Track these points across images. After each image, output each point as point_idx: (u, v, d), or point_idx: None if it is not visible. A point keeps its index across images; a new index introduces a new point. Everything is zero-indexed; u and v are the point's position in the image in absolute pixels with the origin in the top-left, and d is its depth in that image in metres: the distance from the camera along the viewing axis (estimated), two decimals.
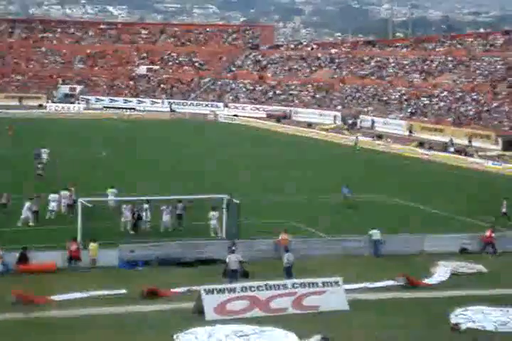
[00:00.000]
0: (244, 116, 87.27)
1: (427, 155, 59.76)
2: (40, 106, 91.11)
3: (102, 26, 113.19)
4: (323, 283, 23.47)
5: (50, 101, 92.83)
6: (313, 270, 26.27)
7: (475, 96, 75.10)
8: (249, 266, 25.85)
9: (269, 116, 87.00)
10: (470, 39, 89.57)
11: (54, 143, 54.76)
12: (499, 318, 22.16)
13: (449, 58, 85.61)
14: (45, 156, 48.23)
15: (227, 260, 25.32)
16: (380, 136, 70.02)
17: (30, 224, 31.91)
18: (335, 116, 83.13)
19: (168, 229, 31.57)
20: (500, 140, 64.08)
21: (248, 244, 28.39)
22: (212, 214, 30.81)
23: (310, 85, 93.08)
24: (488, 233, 30.65)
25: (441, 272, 27.41)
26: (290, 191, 42.26)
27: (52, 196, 33.49)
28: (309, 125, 79.55)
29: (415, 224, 34.55)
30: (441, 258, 28.67)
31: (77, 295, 23.74)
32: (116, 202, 33.11)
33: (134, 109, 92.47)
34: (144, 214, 31.45)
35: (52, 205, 33.22)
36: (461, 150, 60.60)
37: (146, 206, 31.48)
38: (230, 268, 25.11)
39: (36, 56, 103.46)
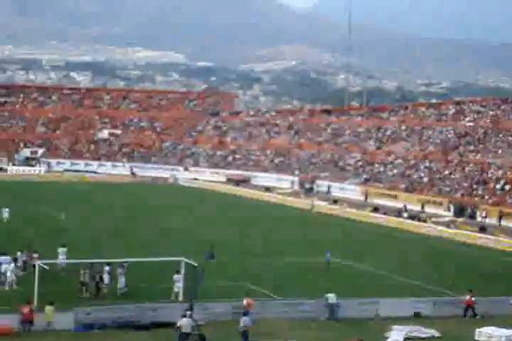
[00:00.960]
0: (204, 180, 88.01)
1: (382, 220, 60.82)
2: (1, 169, 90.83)
3: (65, 91, 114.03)
4: None
5: (11, 164, 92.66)
6: (269, 333, 26.53)
7: (427, 164, 76.99)
8: (206, 329, 26.01)
9: (229, 180, 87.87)
10: (422, 108, 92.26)
11: (14, 203, 54.59)
12: None
13: (402, 127, 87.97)
14: (6, 215, 49.22)
15: (178, 324, 25.39)
16: (335, 201, 71.11)
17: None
18: (292, 181, 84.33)
19: (122, 290, 31.63)
20: (452, 206, 65.57)
21: (206, 306, 28.58)
22: (177, 276, 30.98)
23: (268, 150, 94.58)
24: (467, 297, 31.37)
25: (395, 336, 27.84)
26: (248, 252, 42.64)
27: (3, 258, 33.18)
28: (267, 189, 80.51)
29: (369, 288, 35.07)
30: (395, 322, 29.16)
31: None
32: (64, 263, 33.22)
33: (94, 172, 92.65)
34: (105, 276, 31.53)
35: (4, 267, 32.61)
36: (414, 216, 61.83)
37: (107, 268, 31.60)
38: (184, 332, 25.22)
39: None
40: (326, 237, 51.49)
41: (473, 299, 31.22)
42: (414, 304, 31.39)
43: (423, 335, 28.15)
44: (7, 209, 51.09)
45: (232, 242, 47.33)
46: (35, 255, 34.01)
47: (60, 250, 35.08)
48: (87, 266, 31.54)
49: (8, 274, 31.85)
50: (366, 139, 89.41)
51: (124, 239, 46.12)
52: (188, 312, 26.41)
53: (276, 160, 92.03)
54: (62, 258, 34.43)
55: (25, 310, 26.35)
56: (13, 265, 32.33)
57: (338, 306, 29.97)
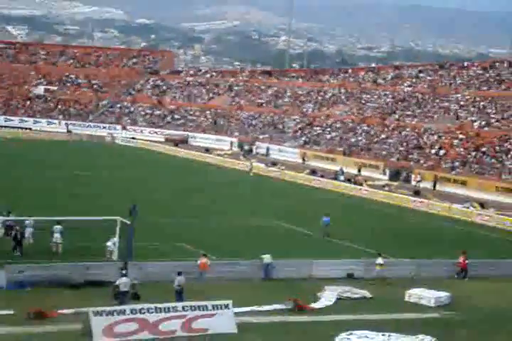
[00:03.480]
0: (142, 140, 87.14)
1: (318, 182, 61.33)
2: None
3: (0, 45, 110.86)
4: (213, 306, 23.74)
5: None
6: (203, 293, 26.60)
7: (365, 128, 77.65)
8: (140, 289, 25.95)
9: (168, 140, 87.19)
10: (362, 73, 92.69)
11: None
12: None
13: (342, 90, 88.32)
14: None
15: (117, 282, 25.38)
16: (274, 163, 71.35)
17: None
18: (231, 142, 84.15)
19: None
20: (387, 170, 66.45)
21: (140, 266, 28.44)
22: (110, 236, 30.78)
23: (208, 111, 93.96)
24: (461, 259, 32.17)
25: (327, 296, 28.21)
26: (184, 214, 42.58)
27: None
28: (207, 150, 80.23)
29: (303, 249, 35.40)
30: (328, 283, 29.54)
31: None
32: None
33: (29, 128, 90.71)
34: (55, 235, 31.19)
35: None
36: (350, 179, 62.48)
37: (57, 227, 31.22)
38: (121, 290, 25.16)
39: None
40: (263, 199, 51.75)
41: (466, 261, 32.02)
42: (347, 265, 31.82)
43: (355, 296, 28.57)
44: None
45: (170, 203, 47.14)
46: None
47: None
48: (18, 224, 31.13)
49: None
50: (306, 102, 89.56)
51: (58, 198, 45.45)
52: (123, 271, 26.32)
53: (216, 121, 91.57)
54: None
55: None
56: None
57: (273, 266, 30.21)
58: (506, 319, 26.78)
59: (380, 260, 31.21)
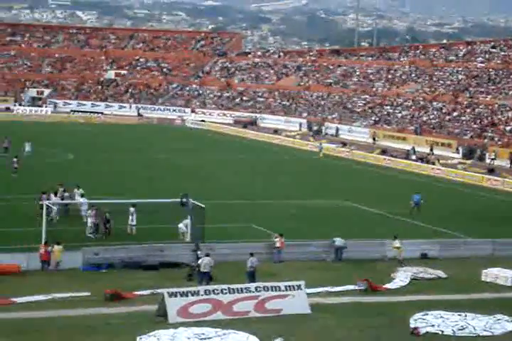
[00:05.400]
0: (211, 122, 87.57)
1: (389, 161, 60.59)
2: (8, 109, 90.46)
3: (71, 31, 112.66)
4: (286, 287, 23.76)
5: (17, 104, 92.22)
6: (276, 274, 26.62)
7: (437, 106, 76.23)
8: (213, 270, 26.11)
9: (237, 122, 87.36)
10: (433, 49, 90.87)
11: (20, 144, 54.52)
12: (457, 323, 22.61)
13: (413, 68, 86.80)
14: (28, 149, 52.74)
15: (199, 261, 25.58)
16: (344, 143, 70.77)
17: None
18: (300, 123, 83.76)
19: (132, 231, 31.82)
20: (460, 148, 65.15)
21: (211, 247, 28.61)
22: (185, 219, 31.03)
23: (276, 92, 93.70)
24: None
25: (401, 277, 27.90)
26: (254, 196, 42.64)
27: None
28: (275, 131, 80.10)
29: (378, 230, 35.07)
30: (402, 263, 29.21)
31: (41, 297, 23.76)
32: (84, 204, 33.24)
33: (101, 113, 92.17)
34: (131, 217, 31.65)
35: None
36: (422, 158, 61.52)
37: (131, 209, 31.64)
38: (202, 271, 25.39)
39: (4, 59, 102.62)
40: (334, 180, 51.45)
41: None
42: (421, 245, 31.39)
43: (429, 276, 28.22)
44: (30, 143, 53.15)
45: (240, 185, 47.28)
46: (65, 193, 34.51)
47: (76, 192, 35.11)
48: (96, 207, 31.60)
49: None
50: (375, 81, 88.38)
51: (133, 180, 46.10)
52: (200, 252, 26.52)
53: (284, 102, 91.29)
54: (78, 199, 34.37)
55: (42, 250, 26.62)
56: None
57: (345, 248, 29.97)
58: None
59: (396, 243, 29.95)
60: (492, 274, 28.15)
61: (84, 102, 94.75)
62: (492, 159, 60.67)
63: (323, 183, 49.67)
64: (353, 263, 29.53)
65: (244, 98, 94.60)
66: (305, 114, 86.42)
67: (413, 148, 64.74)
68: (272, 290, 23.51)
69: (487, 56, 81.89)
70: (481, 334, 21.99)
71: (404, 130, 73.80)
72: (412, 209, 39.22)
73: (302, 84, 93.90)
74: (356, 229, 34.46)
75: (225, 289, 23.06)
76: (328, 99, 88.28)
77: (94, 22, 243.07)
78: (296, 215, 37.83)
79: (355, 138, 75.06)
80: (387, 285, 26.94)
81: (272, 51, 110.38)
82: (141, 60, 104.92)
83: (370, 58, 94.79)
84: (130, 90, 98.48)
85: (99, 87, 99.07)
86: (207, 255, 26.12)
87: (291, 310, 23.29)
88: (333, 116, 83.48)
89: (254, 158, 62.47)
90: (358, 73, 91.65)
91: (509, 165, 59.21)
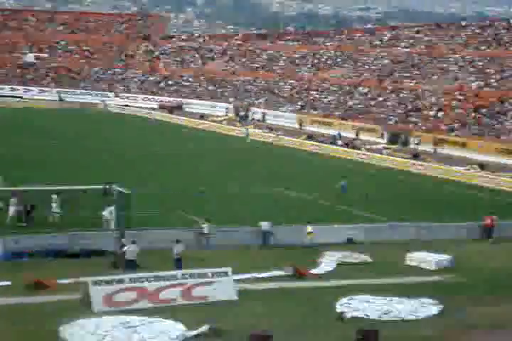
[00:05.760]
0: (136, 107, 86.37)
1: (315, 147, 60.87)
2: None
3: None
4: (213, 274, 23.57)
5: None
6: (204, 260, 26.36)
7: (362, 91, 76.92)
8: (139, 257, 25.66)
9: (162, 107, 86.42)
10: (358, 34, 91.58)
11: None
12: (383, 307, 22.76)
13: (338, 53, 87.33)
14: None
15: (124, 249, 25.18)
16: (271, 129, 70.80)
17: None
18: (227, 108, 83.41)
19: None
20: (386, 133, 65.91)
21: (137, 234, 28.07)
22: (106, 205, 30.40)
23: (202, 76, 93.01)
24: (488, 220, 32.36)
25: (327, 262, 27.97)
26: (182, 182, 42.18)
27: None
28: (202, 116, 79.57)
29: (304, 215, 35.10)
30: (329, 248, 29.27)
31: None
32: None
33: (20, 97, 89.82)
34: (54, 205, 30.97)
35: None
36: (348, 144, 62.01)
37: (54, 197, 30.92)
38: (127, 259, 24.93)
39: None
40: (261, 166, 51.33)
41: (494, 223, 32.19)
42: (347, 230, 31.53)
43: (355, 261, 28.35)
44: None
45: (167, 171, 46.70)
46: None
47: None
48: (16, 195, 30.73)
49: None
50: (302, 65, 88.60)
51: (52, 166, 45.01)
52: (123, 240, 26.06)
53: (210, 87, 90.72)
54: None
55: None
56: None
57: (272, 233, 29.91)
58: (507, 280, 26.54)
59: (309, 228, 29.99)
60: (417, 258, 28.45)
61: (2, 86, 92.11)
62: (416, 144, 61.56)
63: (250, 169, 49.51)
64: (280, 248, 29.46)
65: (170, 82, 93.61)
66: (231, 99, 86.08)
67: (339, 134, 65.20)
68: (199, 277, 23.32)
69: (411, 41, 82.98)
70: (406, 318, 22.17)
71: (330, 115, 74.22)
72: (339, 194, 39.43)
73: (228, 68, 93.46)
74: (284, 215, 34.40)
75: (151, 277, 22.77)
76: (254, 84, 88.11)
77: (12, 3, 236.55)
78: (225, 201, 37.58)
79: (282, 124, 75.18)
80: (314, 271, 26.96)
81: (196, 35, 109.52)
82: (61, 42, 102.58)
83: (296, 43, 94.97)
84: (51, 74, 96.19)
85: (19, 70, 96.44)
86: (132, 242, 25.69)
87: (218, 297, 23.12)
88: (260, 101, 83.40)
89: (181, 143, 61.87)
90: (284, 58, 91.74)
91: (433, 150, 60.20)
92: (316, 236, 30.02)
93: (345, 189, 39.77)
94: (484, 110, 63.59)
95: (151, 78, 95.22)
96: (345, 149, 59.53)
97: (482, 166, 51.35)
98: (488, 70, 70.16)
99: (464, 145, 59.16)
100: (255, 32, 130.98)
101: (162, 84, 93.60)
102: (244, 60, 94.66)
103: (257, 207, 36.54)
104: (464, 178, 48.24)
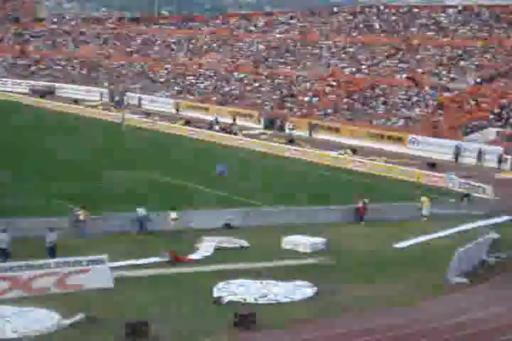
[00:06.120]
0: (4, 91, 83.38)
1: (193, 132, 60.75)
2: None
3: None
4: (88, 262, 23.21)
5: None
6: (80, 248, 25.89)
7: (238, 76, 77.25)
8: (11, 246, 24.91)
9: (33, 92, 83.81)
10: (233, 20, 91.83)
11: None
12: (259, 290, 23.08)
13: (214, 38, 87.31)
14: None
15: None
16: (147, 114, 70.09)
17: None
18: (101, 93, 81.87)
19: None
20: (262, 119, 66.55)
21: (8, 222, 27.13)
22: None
23: (75, 60, 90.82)
24: (360, 204, 33.10)
25: (205, 247, 28.03)
26: (60, 169, 41.18)
27: None
28: (75, 101, 77.78)
29: (183, 200, 35.01)
30: (206, 233, 29.34)
31: None
32: None
33: None
34: None
35: None
36: (225, 129, 62.23)
37: None
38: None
39: None
40: (138, 152, 50.76)
41: (365, 206, 32.90)
42: (225, 215, 31.68)
43: (232, 245, 28.56)
44: None
45: (40, 157, 45.36)
46: None
47: None
48: None
49: None
50: (177, 50, 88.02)
51: None
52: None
53: (84, 71, 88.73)
54: None
55: None
56: None
57: (149, 219, 29.67)
58: (378, 262, 27.43)
59: (174, 214, 29.74)
60: (292, 241, 28.94)
61: None
62: (290, 129, 62.46)
63: (127, 155, 48.86)
64: (157, 234, 29.29)
65: (41, 66, 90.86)
66: (106, 84, 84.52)
67: (216, 119, 65.31)
68: (73, 266, 22.94)
69: (285, 27, 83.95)
70: (281, 301, 22.54)
71: (206, 100, 74.17)
72: (217, 179, 39.53)
73: (102, 52, 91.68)
74: (162, 201, 34.15)
75: (23, 266, 22.26)
76: (129, 68, 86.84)
77: None
78: (102, 188, 36.94)
79: (159, 109, 74.53)
80: (192, 256, 26.97)
81: (68, 17, 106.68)
82: None
83: (171, 27, 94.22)
84: None
85: None
86: (3, 231, 24.87)
87: (93, 285, 22.83)
88: (136, 86, 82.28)
89: (55, 129, 60.25)
90: (159, 42, 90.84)
91: (308, 135, 61.27)
92: (181, 221, 29.63)
93: (223, 174, 39.94)
94: (356, 96, 65.25)
95: (22, 62, 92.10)
96: (223, 134, 59.69)
97: (355, 151, 52.72)
98: (359, 57, 71.94)
99: (337, 130, 60.52)
100: (129, 15, 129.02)
101: (33, 68, 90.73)
102: (118, 43, 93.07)
103: (133, 193, 36.15)
104: (337, 163, 49.37)
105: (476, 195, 39.06)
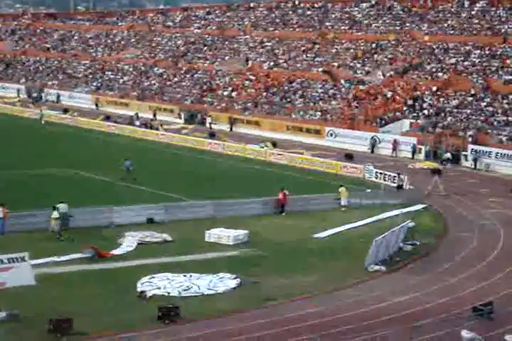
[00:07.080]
0: None
1: (113, 127, 60.42)
2: None
3: None
4: (9, 260, 22.92)
5: None
6: None
7: (157, 71, 77.04)
8: None
9: None
10: (151, 15, 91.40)
11: None
12: (183, 284, 23.36)
13: (132, 33, 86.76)
14: None
15: None
16: (66, 110, 69.29)
17: None
18: (18, 90, 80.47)
19: None
20: (182, 113, 66.63)
21: None
22: None
23: None
24: (280, 195, 33.52)
25: (128, 242, 28.13)
26: None
27: None
28: None
29: (103, 196, 34.97)
30: (129, 229, 29.44)
31: None
32: None
33: None
34: None
35: None
36: (146, 124, 62.09)
37: None
38: None
39: None
40: (57, 148, 50.26)
41: (286, 197, 33.43)
42: (147, 210, 31.80)
43: (156, 240, 28.71)
44: None
45: None
46: None
47: None
48: None
49: None
50: (95, 46, 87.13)
51: None
52: None
53: (0, 67, 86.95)
54: None
55: None
56: None
57: (71, 215, 29.53)
58: (298, 252, 28.06)
59: (55, 214, 28.98)
60: (215, 234, 29.31)
61: None
62: (211, 123, 62.77)
63: (46, 151, 48.33)
64: (79, 231, 29.20)
65: None
66: (23, 80, 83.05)
67: (136, 114, 65.08)
68: None
69: (203, 22, 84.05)
70: (205, 293, 22.89)
71: (126, 96, 73.75)
72: (126, 174, 39.59)
73: (18, 48, 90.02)
74: (82, 197, 34.04)
75: None
76: (46, 64, 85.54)
77: None
78: (21, 183, 36.52)
79: (78, 105, 73.78)
80: (115, 251, 27.04)
81: None
82: None
83: (88, 23, 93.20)
84: None
85: None
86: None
87: (15, 283, 22.55)
88: (53, 82, 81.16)
89: None
90: (76, 38, 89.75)
91: (229, 129, 61.69)
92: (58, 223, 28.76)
93: (129, 168, 40.07)
94: (275, 90, 65.97)
95: None
96: (144, 129, 59.56)
97: (274, 144, 53.41)
98: (277, 51, 72.67)
99: (257, 124, 61.15)
100: (45, 11, 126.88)
101: None
102: (34, 39, 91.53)
103: (54, 189, 35.85)
104: (257, 156, 49.93)
105: (392, 184, 40.20)
